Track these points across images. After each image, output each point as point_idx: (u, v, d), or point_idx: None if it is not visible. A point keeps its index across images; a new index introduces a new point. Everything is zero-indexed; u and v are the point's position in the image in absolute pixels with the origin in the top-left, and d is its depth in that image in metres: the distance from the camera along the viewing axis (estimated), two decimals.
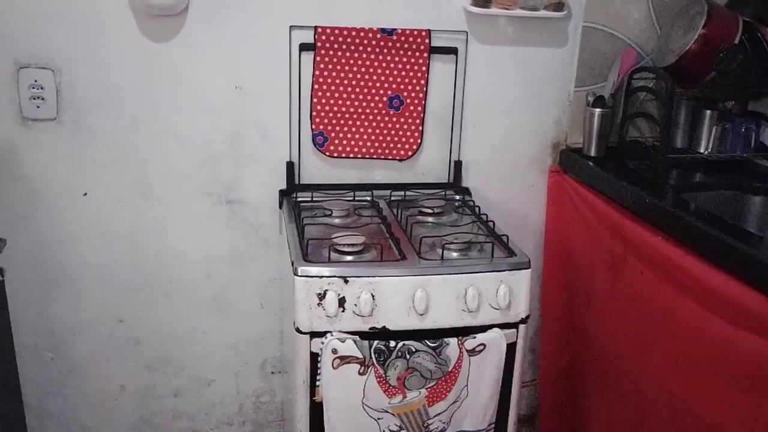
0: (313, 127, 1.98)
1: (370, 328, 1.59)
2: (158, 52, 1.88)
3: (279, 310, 2.14)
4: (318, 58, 1.94)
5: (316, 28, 1.92)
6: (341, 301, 1.57)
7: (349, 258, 1.65)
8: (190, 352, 2.15)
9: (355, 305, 1.57)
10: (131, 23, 1.84)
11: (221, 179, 2.01)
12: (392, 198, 2.04)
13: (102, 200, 1.97)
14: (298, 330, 1.58)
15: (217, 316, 2.13)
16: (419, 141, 2.04)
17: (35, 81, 1.82)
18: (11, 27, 1.79)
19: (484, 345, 1.61)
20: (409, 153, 2.05)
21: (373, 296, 1.57)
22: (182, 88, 1.92)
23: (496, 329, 1.63)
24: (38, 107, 1.85)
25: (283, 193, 2.02)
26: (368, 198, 2.03)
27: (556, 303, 2.21)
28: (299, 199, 2.00)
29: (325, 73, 1.95)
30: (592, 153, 2.07)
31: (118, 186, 1.97)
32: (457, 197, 2.08)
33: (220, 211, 2.04)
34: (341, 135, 2.00)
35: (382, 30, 1.94)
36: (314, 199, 1.99)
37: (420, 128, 2.03)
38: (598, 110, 2.05)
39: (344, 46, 1.93)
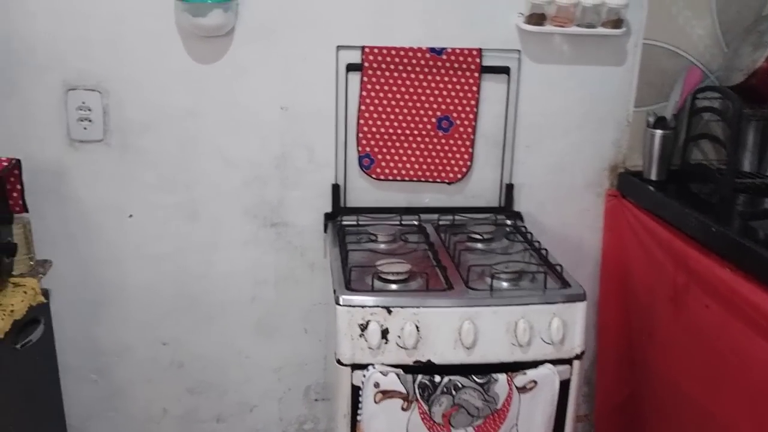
0: (360, 148, 1.93)
1: (414, 362, 1.52)
2: (205, 74, 1.87)
3: (323, 336, 2.09)
4: (365, 79, 1.89)
5: (363, 48, 1.87)
6: (384, 333, 1.51)
7: (394, 287, 1.58)
8: (233, 376, 2.12)
9: (399, 337, 1.51)
10: (178, 45, 1.83)
11: (267, 201, 1.98)
12: (440, 222, 1.97)
13: (148, 221, 1.96)
14: (339, 362, 1.52)
15: (260, 340, 2.09)
16: (469, 163, 1.97)
17: (83, 103, 1.83)
18: (61, 49, 1.80)
19: (536, 382, 1.52)
20: (459, 176, 1.98)
21: (417, 328, 1.50)
22: (229, 109, 1.90)
23: (548, 365, 1.54)
24: (85, 129, 1.85)
25: (328, 217, 1.97)
26: (415, 222, 1.96)
27: (613, 333, 2.09)
28: (344, 223, 1.95)
29: (372, 94, 1.90)
30: (653, 176, 1.96)
31: (165, 207, 1.95)
32: (509, 222, 2.00)
33: (265, 234, 2.01)
34: (388, 157, 1.94)
35: (431, 49, 1.88)
36: (360, 222, 1.94)
37: (470, 150, 1.96)
38: (659, 131, 1.94)
39: (392, 66, 1.88)
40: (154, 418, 2.12)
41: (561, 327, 1.53)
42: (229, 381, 2.12)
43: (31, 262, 1.77)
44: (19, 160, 1.64)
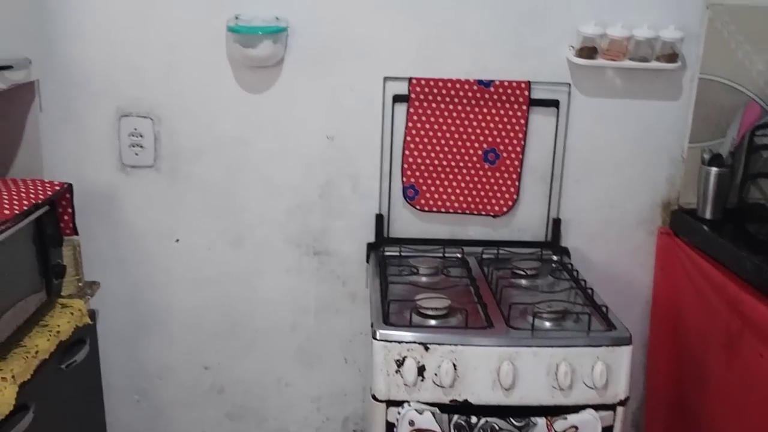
0: (404, 179, 1.92)
1: (451, 401, 1.49)
2: (254, 103, 1.89)
3: (363, 367, 2.07)
4: (411, 110, 1.88)
5: (410, 79, 1.87)
6: (421, 370, 1.48)
7: (433, 322, 1.56)
8: (272, 403, 2.12)
9: (436, 375, 1.48)
10: (229, 74, 1.87)
11: (311, 229, 1.99)
12: (484, 256, 1.93)
13: (194, 246, 1.98)
14: (374, 397, 1.50)
15: (300, 368, 2.09)
16: (515, 197, 1.93)
17: (135, 129, 1.87)
18: (116, 77, 1.85)
19: (576, 428, 1.46)
20: (504, 209, 1.94)
21: (455, 366, 1.47)
22: (276, 137, 1.92)
23: (590, 410, 1.48)
24: (137, 154, 1.89)
25: (371, 247, 1.96)
26: (458, 255, 1.93)
27: (663, 378, 2.01)
28: (387, 253, 1.93)
29: (418, 125, 1.89)
30: (708, 215, 1.89)
31: (211, 233, 1.98)
32: (555, 258, 1.95)
33: (308, 262, 2.01)
34: (433, 188, 1.92)
35: (479, 81, 1.86)
36: (402, 254, 1.92)
37: (516, 183, 1.92)
38: (715, 169, 1.87)
39: (438, 98, 1.87)
40: None
41: (605, 371, 1.48)
42: (268, 408, 2.12)
43: (80, 284, 1.82)
44: (70, 185, 1.69)
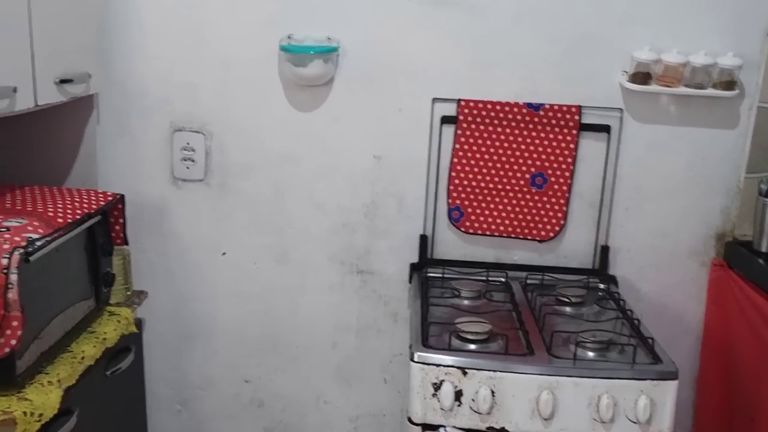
0: (450, 201, 1.91)
1: (488, 428, 1.46)
2: (303, 121, 1.92)
3: (402, 388, 2.05)
4: (459, 132, 1.88)
5: (459, 101, 1.87)
6: (458, 395, 1.46)
7: (472, 347, 1.54)
8: (311, 420, 2.12)
9: (473, 400, 1.45)
10: (279, 92, 1.90)
11: (355, 248, 1.99)
12: (528, 281, 1.91)
13: (240, 261, 2.01)
14: (410, 420, 1.49)
15: (340, 386, 2.09)
16: (562, 222, 1.90)
17: (187, 144, 1.92)
18: (171, 92, 1.90)
19: None
20: (551, 234, 1.91)
21: (493, 393, 1.45)
22: (324, 156, 1.93)
23: None
24: (188, 168, 1.94)
25: (413, 267, 1.95)
26: (502, 279, 1.91)
27: (712, 415, 1.93)
28: (429, 275, 1.92)
29: (466, 147, 1.88)
30: (764, 248, 1.82)
31: (256, 248, 2.00)
32: (601, 286, 1.91)
33: (351, 281, 2.01)
34: (478, 211, 1.91)
35: (529, 105, 1.85)
36: (445, 275, 1.91)
37: (564, 208, 1.89)
38: None
39: (487, 120, 1.86)
40: None
41: (648, 406, 1.43)
42: (306, 424, 2.12)
43: (128, 293, 1.86)
44: (122, 195, 1.74)
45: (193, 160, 1.93)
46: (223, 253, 2.01)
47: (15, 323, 1.32)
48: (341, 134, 1.92)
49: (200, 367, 2.09)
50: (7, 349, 1.33)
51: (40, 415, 1.39)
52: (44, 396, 1.41)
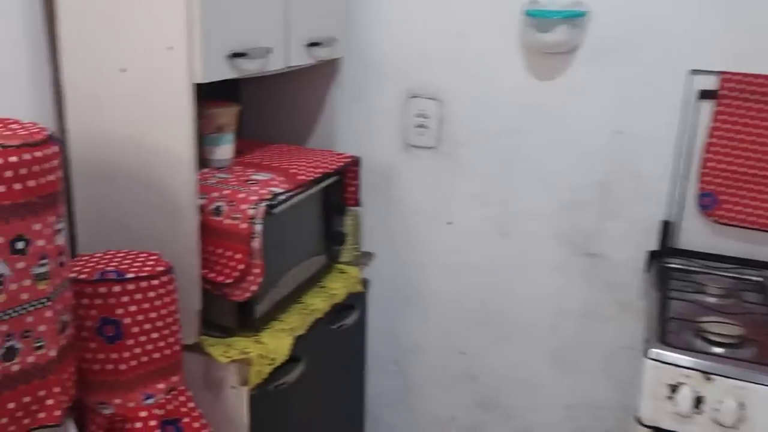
0: (701, 185, 1.72)
1: None
2: (539, 91, 1.83)
3: (625, 383, 1.91)
4: (720, 108, 1.67)
5: (721, 73, 1.65)
6: (698, 401, 1.31)
7: (719, 350, 1.37)
8: (522, 401, 2.06)
9: (716, 410, 1.29)
10: (517, 60, 1.82)
11: (583, 229, 1.87)
12: None
13: (464, 231, 1.99)
14: (638, 421, 1.36)
15: (555, 371, 2.00)
16: None
17: (421, 111, 1.92)
18: (408, 60, 1.91)
19: None
20: None
21: (741, 405, 1.28)
22: (556, 128, 1.83)
23: None
24: (421, 135, 1.94)
25: (652, 255, 1.79)
26: (758, 278, 1.68)
27: None
28: (670, 265, 1.75)
29: (727, 126, 1.67)
30: None
31: (480, 220, 1.97)
32: None
33: (576, 262, 1.90)
34: (735, 199, 1.69)
35: None
36: (690, 268, 1.72)
37: None
38: None
39: (755, 97, 1.63)
40: (442, 422, 2.16)
41: None
42: (517, 405, 2.06)
43: (357, 253, 1.92)
44: (359, 158, 1.78)
45: (426, 127, 1.93)
46: (449, 223, 1.99)
47: (256, 270, 1.41)
48: (579, 106, 1.80)
49: (416, 332, 2.11)
50: (248, 294, 1.43)
51: (273, 358, 1.48)
52: (277, 341, 1.50)
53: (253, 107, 1.94)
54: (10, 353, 1.00)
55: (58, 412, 1.06)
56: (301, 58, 1.64)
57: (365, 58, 1.94)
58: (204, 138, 1.54)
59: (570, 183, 1.86)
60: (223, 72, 1.37)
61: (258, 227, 1.38)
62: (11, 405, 1.01)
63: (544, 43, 1.74)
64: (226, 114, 1.57)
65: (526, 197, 1.91)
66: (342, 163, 1.71)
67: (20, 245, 0.98)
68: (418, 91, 1.92)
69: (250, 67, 1.44)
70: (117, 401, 1.22)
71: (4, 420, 1.01)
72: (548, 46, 1.75)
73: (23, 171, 0.97)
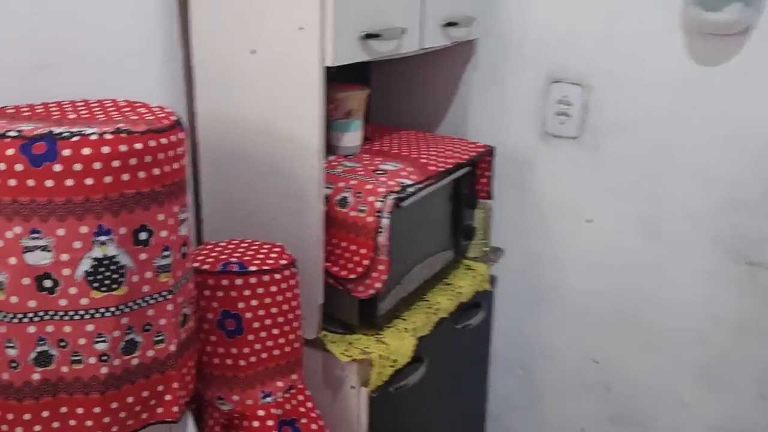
0: None
1: None
2: (701, 77, 1.62)
3: None
4: None
5: None
6: None
7: None
8: (662, 419, 1.87)
9: None
10: (677, 42, 1.62)
11: (745, 233, 1.66)
12: None
13: (604, 229, 1.82)
14: None
15: (701, 387, 1.80)
16: None
17: (564, 97, 1.76)
18: (549, 40, 1.75)
19: None
20: None
21: None
22: (717, 120, 1.62)
23: None
24: (561, 124, 1.78)
25: None
26: None
27: None
28: None
29: None
30: None
31: (624, 217, 1.79)
32: None
33: (734, 271, 1.69)
34: None
35: None
36: None
37: None
38: None
39: None
40: None
41: None
42: (656, 423, 1.88)
43: (485, 248, 1.81)
44: (493, 148, 1.66)
45: (567, 115, 1.77)
46: (588, 220, 1.83)
47: (381, 267, 1.33)
48: (749, 95, 1.58)
49: (545, 335, 1.97)
50: (371, 291, 1.36)
51: (394, 360, 1.40)
52: (399, 341, 1.42)
53: (381, 91, 1.85)
54: (130, 346, 0.97)
55: (175, 408, 1.03)
56: (436, 39, 1.53)
57: (504, 39, 1.80)
58: (332, 123, 1.47)
59: (732, 181, 1.64)
60: (355, 54, 1.29)
61: (385, 221, 1.30)
62: (130, 399, 0.99)
63: (711, 22, 1.53)
64: (356, 98, 1.50)
65: (679, 195, 1.71)
66: (475, 153, 1.60)
67: (143, 236, 0.94)
68: (560, 75, 1.76)
69: (383, 49, 1.35)
70: (235, 398, 1.18)
71: (123, 414, 0.99)
72: (716, 27, 1.54)
73: (148, 159, 0.93)
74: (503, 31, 1.80)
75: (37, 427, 0.95)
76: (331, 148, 1.48)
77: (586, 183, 1.81)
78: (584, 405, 1.96)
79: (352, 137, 1.51)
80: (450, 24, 1.55)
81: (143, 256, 0.95)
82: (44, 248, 0.89)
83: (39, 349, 0.93)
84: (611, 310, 1.87)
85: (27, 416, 0.95)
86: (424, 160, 1.49)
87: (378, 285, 1.34)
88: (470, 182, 1.66)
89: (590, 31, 1.71)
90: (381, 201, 1.31)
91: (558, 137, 1.80)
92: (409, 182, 1.38)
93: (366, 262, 1.32)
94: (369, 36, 1.30)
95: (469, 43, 1.73)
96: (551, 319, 1.95)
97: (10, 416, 0.95)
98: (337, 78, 1.35)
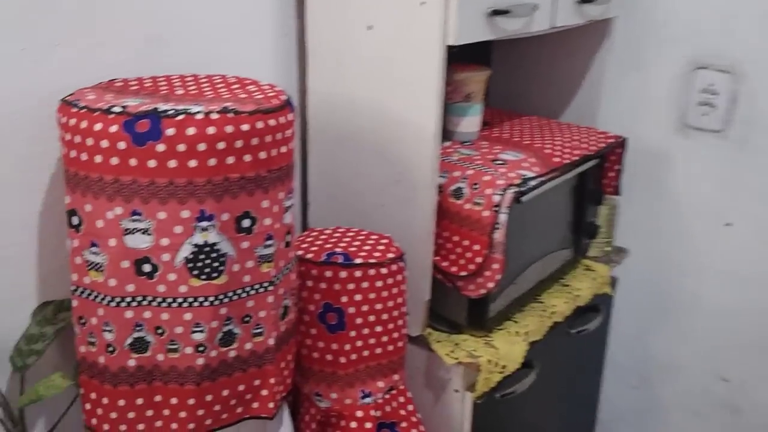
0: None
1: None
2: None
3: None
4: None
5: None
6: None
7: None
8: None
9: None
10: None
11: None
12: None
13: (746, 235, 1.62)
14: None
15: None
16: None
17: (710, 85, 1.57)
18: (698, 21, 1.56)
19: None
20: None
21: None
22: None
23: None
24: (704, 115, 1.59)
25: None
26: None
27: None
28: None
29: None
30: None
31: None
32: None
33: None
34: None
35: None
36: None
37: None
38: None
39: None
40: None
41: None
42: None
43: (607, 248, 1.66)
44: (625, 139, 1.51)
45: (712, 106, 1.58)
46: (727, 224, 1.64)
47: (495, 266, 1.23)
48: None
49: (668, 346, 1.80)
50: (483, 291, 1.26)
51: (504, 366, 1.30)
52: (510, 346, 1.32)
53: (501, 73, 1.72)
54: (229, 338, 0.92)
55: (271, 404, 0.98)
56: (569, 18, 1.39)
57: (645, 18, 1.62)
58: (449, 107, 1.36)
59: None
60: (481, 32, 1.18)
61: (503, 217, 1.19)
62: (225, 392, 0.94)
63: None
64: (476, 80, 1.38)
65: None
66: (605, 144, 1.45)
67: (246, 223, 0.89)
68: (707, 60, 1.57)
69: (511, 27, 1.23)
70: (333, 395, 1.12)
71: (217, 407, 0.94)
72: None
73: (255, 141, 0.86)
74: (644, 10, 1.62)
75: (131, 414, 0.92)
76: (446, 133, 1.37)
77: (728, 181, 1.61)
78: (708, 426, 1.78)
79: (470, 122, 1.39)
80: (585, 0, 1.40)
81: (245, 244, 0.89)
82: (144, 231, 0.85)
83: (136, 334, 0.89)
84: (747, 324, 1.67)
85: (121, 402, 0.92)
86: (548, 151, 1.36)
87: (490, 285, 1.23)
88: (597, 176, 1.51)
89: (751, 9, 1.50)
90: (500, 194, 1.20)
91: (699, 130, 1.61)
92: (531, 175, 1.26)
93: (479, 259, 1.22)
94: (497, 12, 1.18)
95: (604, 22, 1.57)
96: (676, 330, 1.77)
97: (105, 400, 0.92)
98: (456, 57, 1.24)
